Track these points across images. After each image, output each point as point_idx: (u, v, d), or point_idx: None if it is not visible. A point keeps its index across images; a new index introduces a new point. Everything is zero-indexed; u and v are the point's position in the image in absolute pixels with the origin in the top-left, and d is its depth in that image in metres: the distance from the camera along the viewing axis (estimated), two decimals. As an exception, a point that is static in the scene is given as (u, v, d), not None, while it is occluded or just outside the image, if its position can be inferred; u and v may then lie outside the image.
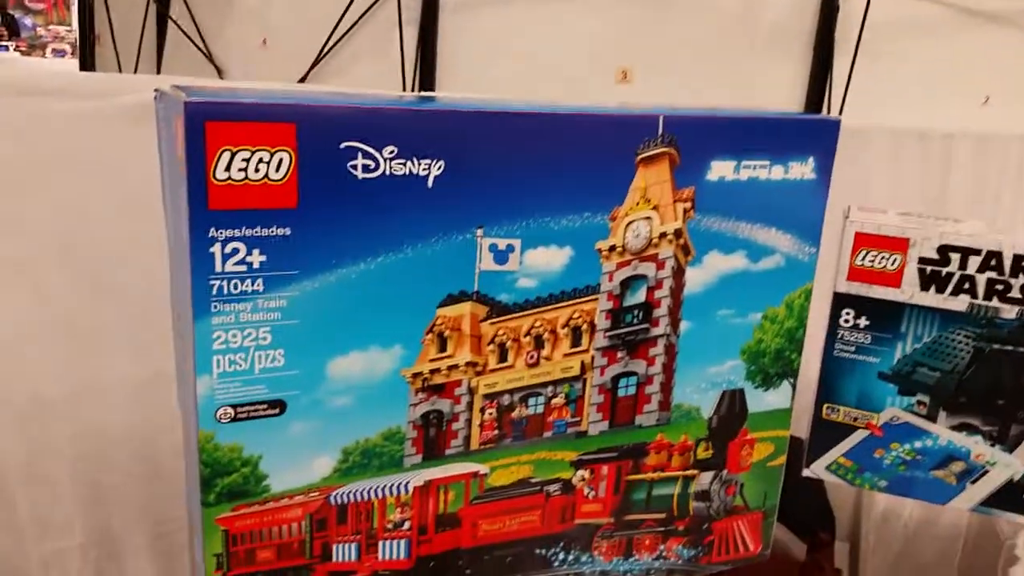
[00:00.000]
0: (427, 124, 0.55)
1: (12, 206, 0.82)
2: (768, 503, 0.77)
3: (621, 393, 0.66)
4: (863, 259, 0.71)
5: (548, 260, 0.60)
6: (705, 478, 0.72)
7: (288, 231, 0.53)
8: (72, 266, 0.86)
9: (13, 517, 0.89)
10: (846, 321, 0.72)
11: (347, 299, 0.55)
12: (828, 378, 0.74)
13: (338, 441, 0.58)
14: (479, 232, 0.58)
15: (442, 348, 0.60)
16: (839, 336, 0.73)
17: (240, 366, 0.54)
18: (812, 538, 1.06)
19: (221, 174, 0.50)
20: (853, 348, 0.73)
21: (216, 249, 0.51)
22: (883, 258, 0.70)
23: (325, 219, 0.53)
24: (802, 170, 0.67)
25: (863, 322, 0.72)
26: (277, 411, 0.56)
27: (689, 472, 0.71)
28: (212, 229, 0.51)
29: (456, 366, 0.60)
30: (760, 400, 0.72)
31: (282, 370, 0.55)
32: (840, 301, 0.72)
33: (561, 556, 0.68)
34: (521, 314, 0.61)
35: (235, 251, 0.52)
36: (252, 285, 0.53)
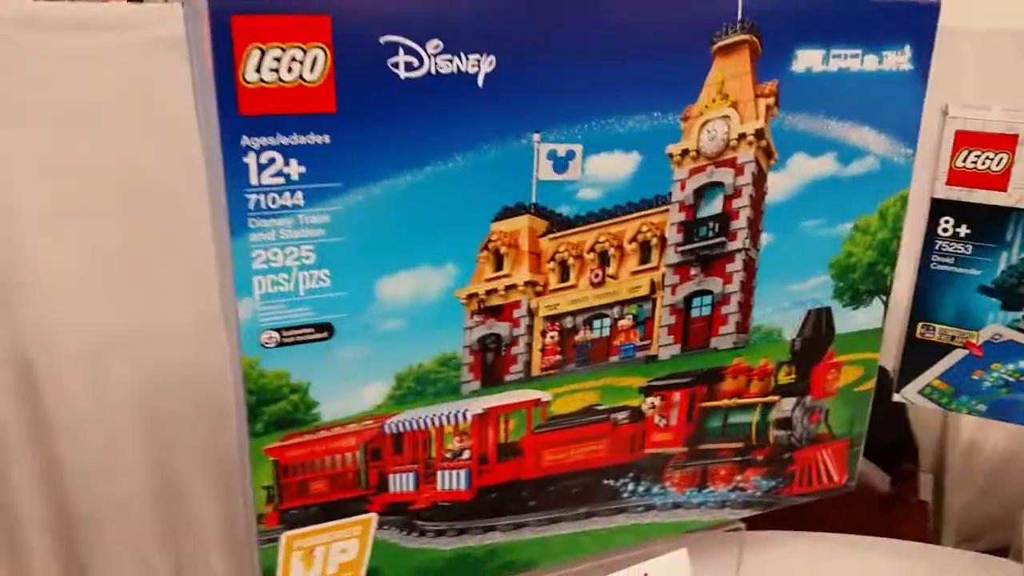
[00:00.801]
0: (475, 13, 0.49)
1: (68, 146, 0.80)
2: (855, 431, 0.71)
3: (695, 314, 0.61)
4: (964, 160, 0.63)
5: (613, 167, 0.55)
6: (787, 404, 0.67)
7: (327, 139, 0.48)
8: (127, 205, 0.83)
9: (83, 459, 0.89)
10: (944, 230, 0.65)
11: (394, 213, 0.51)
12: (923, 294, 0.68)
13: (390, 367, 0.54)
14: (536, 137, 0.52)
15: (498, 266, 0.55)
16: (936, 247, 0.66)
17: (283, 287, 0.50)
18: (895, 469, 1.01)
19: (252, 75, 0.45)
20: (952, 260, 0.66)
21: (251, 159, 0.47)
22: (987, 159, 0.62)
23: (367, 125, 0.48)
24: (897, 60, 0.60)
25: (963, 231, 0.65)
26: (325, 335, 0.52)
27: (769, 398, 0.66)
28: (245, 137, 0.46)
29: (514, 286, 0.56)
30: (848, 320, 0.66)
31: (328, 291, 0.51)
32: (938, 208, 0.65)
33: (630, 487, 0.64)
34: (584, 228, 0.56)
35: (271, 161, 0.47)
36: (292, 199, 0.49)
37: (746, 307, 0.62)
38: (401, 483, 0.58)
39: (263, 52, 0.45)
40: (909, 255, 0.67)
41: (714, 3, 0.53)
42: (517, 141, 0.52)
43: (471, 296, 0.55)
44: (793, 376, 0.66)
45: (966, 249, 0.65)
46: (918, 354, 0.69)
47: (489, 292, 0.55)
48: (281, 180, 0.48)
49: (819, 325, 0.66)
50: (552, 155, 0.53)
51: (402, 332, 0.53)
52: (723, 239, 0.60)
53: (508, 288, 0.55)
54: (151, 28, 0.80)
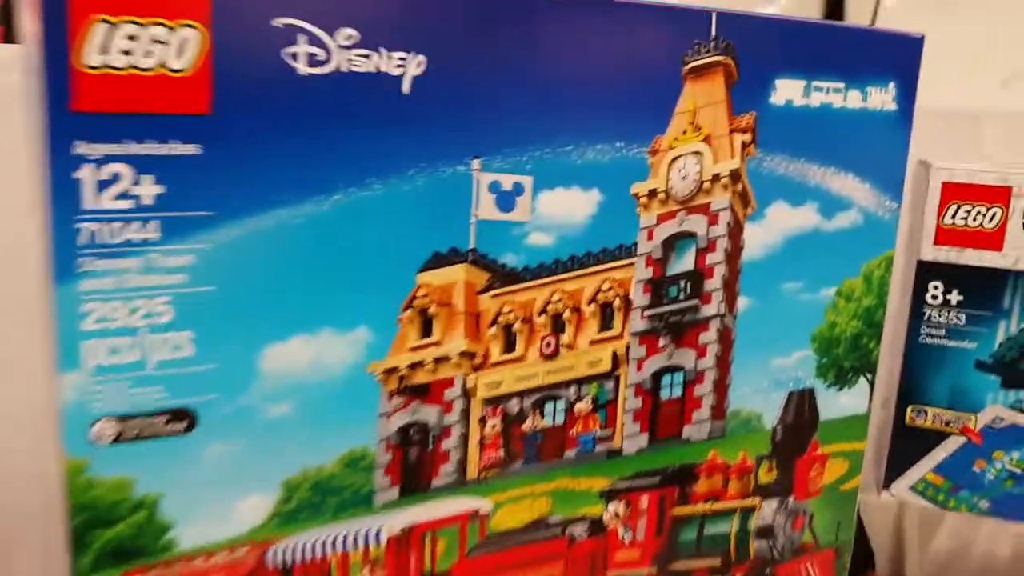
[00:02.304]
0: (402, 1, 0.38)
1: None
2: (842, 537, 0.60)
3: (664, 395, 0.50)
4: (953, 217, 0.56)
5: (569, 207, 0.44)
6: (768, 508, 0.55)
7: (198, 149, 0.35)
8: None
9: None
10: (934, 297, 0.57)
11: (287, 257, 0.38)
12: (912, 372, 0.59)
13: (277, 470, 0.40)
14: (475, 164, 0.41)
15: (425, 331, 0.42)
16: (925, 317, 0.57)
17: (126, 357, 0.36)
18: (858, 580, 0.89)
19: (93, 57, 0.33)
20: (943, 332, 0.57)
21: (86, 174, 0.34)
22: (979, 214, 0.55)
23: (253, 134, 0.36)
24: (882, 98, 0.52)
25: (955, 297, 0.57)
26: (184, 426, 0.38)
27: (749, 501, 0.54)
28: (79, 142, 0.33)
29: (446, 358, 0.43)
30: (832, 403, 0.56)
31: (190, 363, 0.37)
32: (925, 271, 0.57)
33: (590, 623, 0.50)
34: (534, 283, 0.44)
35: (116, 178, 0.34)
36: (143, 231, 0.35)
37: (722, 387, 0.51)
38: (289, 633, 0.42)
39: (112, 28, 0.33)
40: (893, 326, 0.59)
41: (685, 16, 0.45)
42: (452, 168, 0.40)
43: (389, 371, 0.41)
44: (774, 473, 0.55)
45: (959, 318, 0.57)
46: (908, 443, 0.60)
47: (413, 365, 0.42)
48: (129, 204, 0.35)
49: (802, 410, 0.55)
50: (495, 188, 0.42)
51: (294, 421, 0.40)
52: (696, 302, 0.49)
53: (438, 361, 0.43)
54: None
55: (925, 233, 0.57)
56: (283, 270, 0.38)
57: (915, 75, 0.53)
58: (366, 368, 0.41)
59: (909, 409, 0.59)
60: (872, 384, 0.58)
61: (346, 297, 0.40)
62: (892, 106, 0.52)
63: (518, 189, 0.42)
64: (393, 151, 0.39)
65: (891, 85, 0.52)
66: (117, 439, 0.36)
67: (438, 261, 0.41)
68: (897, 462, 0.60)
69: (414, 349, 0.42)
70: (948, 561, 1.04)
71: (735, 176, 0.48)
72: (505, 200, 0.42)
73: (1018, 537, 0.83)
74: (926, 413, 0.59)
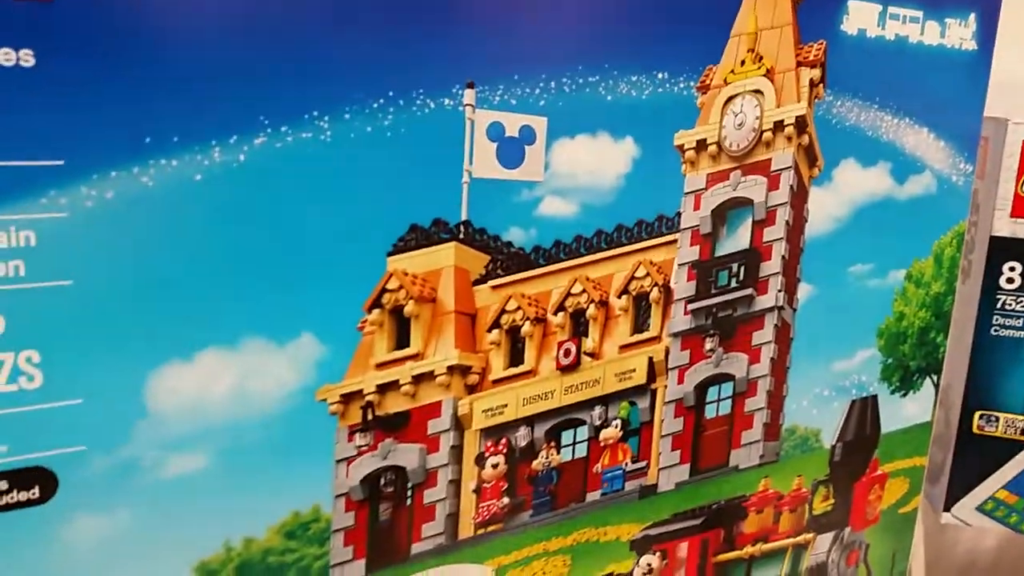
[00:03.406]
0: None
1: None
2: (896, 569, 0.50)
3: (709, 413, 0.38)
4: (1035, 182, 0.46)
5: (596, 163, 0.32)
6: (822, 544, 0.45)
7: (30, 57, 0.22)
8: None
9: None
10: (1009, 280, 0.47)
11: (184, 232, 0.25)
12: (980, 371, 0.48)
13: (186, 550, 0.27)
14: (468, 96, 0.28)
15: (400, 339, 0.30)
16: (998, 304, 0.47)
17: (-75, 395, 0.23)
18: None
19: None
20: (1020, 322, 0.47)
21: None
22: (1068, 178, 0.45)
23: (121, 36, 0.23)
24: (961, 35, 0.41)
25: (1036, 281, 0.47)
26: (34, 494, 0.24)
27: (802, 538, 0.44)
28: None
29: (430, 375, 0.30)
30: (896, 412, 0.46)
31: (39, 399, 0.24)
32: (999, 249, 0.47)
33: None
34: (548, 269, 0.32)
35: None
36: (-57, 191, 0.22)
37: (777, 399, 0.40)
38: None
39: None
40: (959, 316, 0.49)
41: (746, -101, 0.33)
42: (434, 100, 0.28)
43: (349, 398, 0.29)
44: (831, 500, 0.44)
45: (1040, 306, 0.47)
46: (975, 455, 0.49)
47: (383, 388, 0.29)
48: (-85, 146, 0.21)
49: (864, 421, 0.45)
50: (496, 132, 0.29)
51: (208, 478, 0.27)
52: (750, 291, 0.37)
53: (418, 379, 0.30)
54: None
55: (999, 203, 0.46)
56: (180, 252, 0.25)
57: (997, 7, 0.42)
58: (315, 395, 0.28)
59: (976, 415, 0.49)
60: (937, 387, 0.47)
61: (281, 292, 0.27)
62: (971, 45, 0.42)
63: (527, 135, 0.30)
64: (346, 73, 0.26)
65: (972, 18, 0.41)
66: (-81, 523, 0.23)
67: (417, 239, 0.29)
68: (961, 477, 0.50)
69: (384, 365, 0.29)
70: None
71: (801, 124, 0.37)
72: (510, 151, 0.30)
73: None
74: (997, 420, 0.49)
